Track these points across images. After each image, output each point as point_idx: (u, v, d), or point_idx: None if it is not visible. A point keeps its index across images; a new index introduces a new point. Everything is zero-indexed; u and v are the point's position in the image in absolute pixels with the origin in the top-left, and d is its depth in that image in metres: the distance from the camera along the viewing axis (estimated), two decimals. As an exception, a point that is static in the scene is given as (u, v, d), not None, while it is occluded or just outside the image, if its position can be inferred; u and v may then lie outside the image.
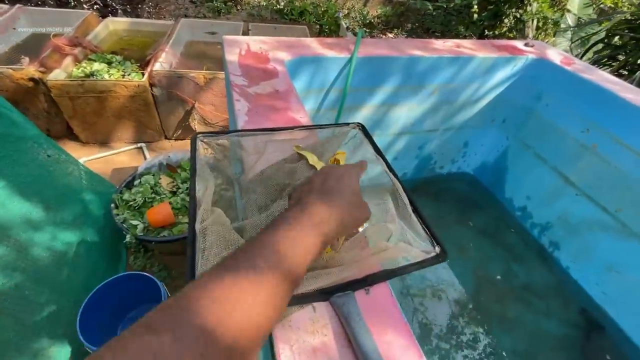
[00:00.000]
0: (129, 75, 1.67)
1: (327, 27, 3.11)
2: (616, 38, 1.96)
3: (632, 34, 1.76)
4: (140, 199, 1.23)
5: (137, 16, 2.72)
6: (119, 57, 1.78)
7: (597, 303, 1.15)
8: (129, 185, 1.29)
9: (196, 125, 1.78)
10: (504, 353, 1.05)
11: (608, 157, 1.06)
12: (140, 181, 1.30)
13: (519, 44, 1.26)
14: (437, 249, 0.43)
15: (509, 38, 2.98)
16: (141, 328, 0.21)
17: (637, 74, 1.60)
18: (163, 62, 1.71)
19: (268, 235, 0.29)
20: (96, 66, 1.65)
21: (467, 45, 1.17)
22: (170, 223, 1.19)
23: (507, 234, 1.40)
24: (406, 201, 0.48)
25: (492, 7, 2.95)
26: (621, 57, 1.84)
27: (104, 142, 1.77)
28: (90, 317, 0.91)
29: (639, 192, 0.99)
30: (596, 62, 1.93)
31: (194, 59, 1.98)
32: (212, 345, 0.21)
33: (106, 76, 1.62)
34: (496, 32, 3.04)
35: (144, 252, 1.24)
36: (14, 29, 1.91)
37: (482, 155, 1.53)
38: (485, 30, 3.09)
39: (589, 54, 2.05)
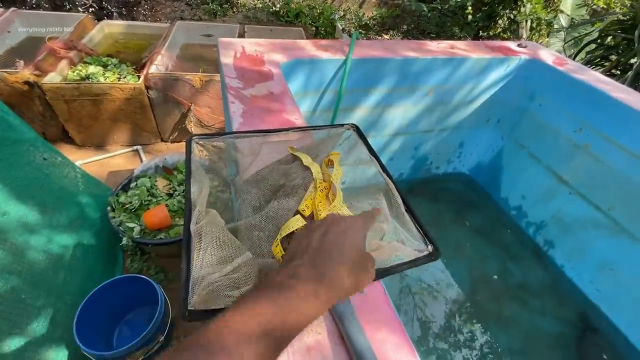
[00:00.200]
0: (124, 78, 1.67)
1: (323, 29, 3.12)
2: (609, 38, 1.98)
3: (623, 35, 1.78)
4: (137, 201, 1.23)
5: (133, 19, 2.72)
6: (114, 60, 1.78)
7: (591, 301, 1.17)
8: (125, 188, 1.29)
9: (192, 128, 1.79)
10: (500, 351, 1.06)
11: (600, 156, 1.08)
12: (137, 184, 1.30)
13: (512, 44, 1.28)
14: (430, 248, 0.44)
15: (503, 39, 3.01)
16: None
17: (628, 73, 1.62)
18: (159, 65, 1.71)
19: (245, 307, 0.25)
20: (92, 69, 1.65)
21: (461, 47, 1.18)
22: (167, 225, 1.19)
23: (502, 233, 1.41)
24: (399, 201, 0.48)
25: (486, 8, 2.98)
26: (613, 57, 1.86)
27: (100, 145, 1.77)
28: (87, 320, 0.91)
29: (630, 190, 1.01)
30: (589, 62, 1.95)
31: (190, 62, 1.99)
32: None
33: (102, 79, 1.62)
34: (490, 33, 3.07)
35: (141, 255, 1.24)
36: (9, 32, 1.90)
37: (477, 155, 1.55)
38: (480, 31, 3.11)
39: (582, 54, 2.07)
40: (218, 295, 0.34)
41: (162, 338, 0.96)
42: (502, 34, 3.03)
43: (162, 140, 1.86)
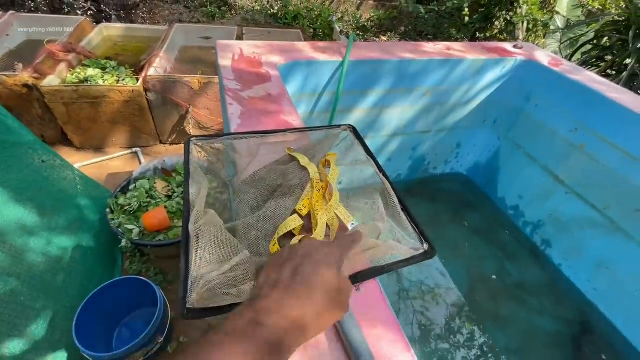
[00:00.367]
0: (123, 80, 1.68)
1: (321, 31, 3.14)
2: (604, 39, 2.00)
3: (618, 36, 1.80)
4: (136, 203, 1.23)
5: (131, 22, 2.73)
6: (113, 63, 1.78)
7: (588, 299, 1.17)
8: (124, 190, 1.30)
9: (191, 130, 1.79)
10: (498, 350, 1.07)
11: (596, 155, 1.09)
12: (136, 186, 1.30)
13: (508, 46, 1.29)
14: (426, 246, 0.44)
15: (500, 40, 3.03)
16: None
17: (623, 74, 1.64)
18: (157, 67, 1.72)
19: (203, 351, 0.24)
20: (90, 72, 1.66)
21: (457, 48, 1.19)
22: (166, 227, 1.20)
23: (500, 233, 1.42)
24: (395, 200, 0.49)
25: (482, 10, 3.00)
26: (608, 58, 1.88)
27: (98, 148, 1.77)
28: (86, 322, 0.91)
29: (625, 190, 1.02)
30: (585, 63, 1.97)
31: (189, 64, 1.99)
32: None
33: (100, 82, 1.62)
34: (487, 35, 3.09)
35: (140, 257, 1.24)
36: (7, 35, 1.91)
37: (474, 155, 1.56)
38: (477, 33, 3.13)
39: (578, 55, 2.09)
40: (216, 294, 0.34)
41: (162, 339, 0.96)
42: (498, 35, 3.05)
43: (160, 142, 1.87)
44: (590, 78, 1.14)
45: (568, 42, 2.31)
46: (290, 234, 0.44)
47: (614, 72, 1.82)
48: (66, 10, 2.44)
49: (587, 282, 1.18)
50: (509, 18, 2.89)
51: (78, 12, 2.45)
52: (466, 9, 3.00)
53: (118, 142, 1.78)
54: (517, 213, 1.41)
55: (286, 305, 0.27)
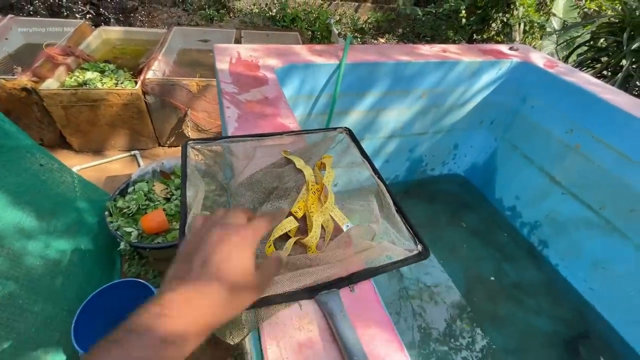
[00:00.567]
0: (122, 83, 1.69)
1: (319, 34, 3.15)
2: (602, 40, 2.01)
3: (613, 37, 1.81)
4: (134, 206, 1.24)
5: (130, 25, 2.74)
6: (111, 66, 1.79)
7: (586, 299, 1.18)
8: (123, 193, 1.30)
9: (189, 132, 1.80)
10: (496, 351, 1.07)
11: (591, 156, 1.10)
12: (134, 188, 1.31)
13: (503, 48, 1.30)
14: (420, 247, 0.45)
15: (497, 42, 3.05)
16: None
17: (619, 75, 1.65)
18: (156, 70, 1.73)
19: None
20: (89, 75, 1.67)
21: (453, 50, 1.20)
22: (165, 230, 1.20)
23: (497, 234, 1.42)
24: (390, 202, 0.49)
25: (479, 11, 3.02)
26: (604, 59, 1.89)
27: (97, 150, 1.78)
28: (84, 325, 0.91)
29: (620, 190, 1.02)
30: (580, 64, 1.98)
31: (187, 67, 2.00)
32: None
33: (99, 85, 1.63)
34: (484, 36, 3.11)
35: (139, 259, 1.24)
36: (6, 39, 1.91)
37: (471, 156, 1.56)
38: (474, 35, 3.15)
39: (574, 56, 2.10)
40: (212, 295, 0.35)
41: (160, 342, 0.97)
42: (495, 36, 3.07)
43: (159, 145, 1.87)
44: (584, 79, 1.15)
45: (564, 43, 2.32)
46: (285, 236, 0.45)
47: (609, 73, 1.84)
48: (65, 13, 2.45)
49: (583, 282, 1.19)
50: (505, 20, 2.91)
51: (77, 15, 2.46)
52: (463, 11, 3.02)
53: (117, 145, 1.79)
54: (514, 214, 1.42)
55: (194, 297, 0.27)
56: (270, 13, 3.34)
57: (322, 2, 3.48)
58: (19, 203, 0.89)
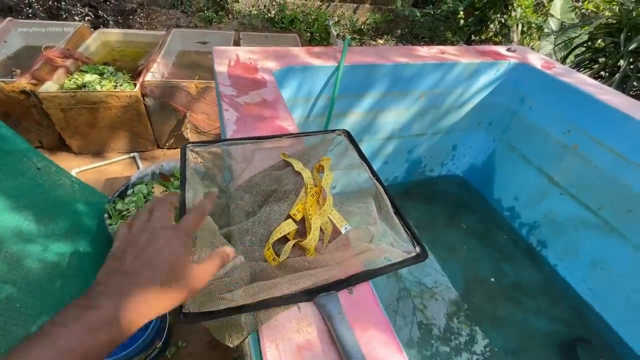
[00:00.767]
0: (121, 86, 1.69)
1: (318, 35, 3.16)
2: (599, 41, 2.02)
3: (611, 38, 1.82)
4: (134, 208, 1.24)
5: (129, 27, 2.74)
6: (111, 68, 1.79)
7: (584, 299, 1.18)
8: (122, 195, 1.30)
9: (189, 134, 1.80)
10: (495, 351, 1.07)
11: (589, 156, 1.10)
12: (134, 190, 1.31)
13: (501, 49, 1.30)
14: (418, 249, 0.45)
15: (495, 43, 3.06)
16: None
17: (616, 76, 1.66)
18: (155, 73, 1.73)
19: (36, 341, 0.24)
20: (88, 77, 1.67)
21: (451, 52, 1.21)
22: (164, 232, 1.20)
23: (496, 235, 1.42)
24: (388, 204, 0.50)
25: (477, 13, 3.03)
26: (601, 60, 1.90)
27: (97, 153, 1.78)
28: (84, 328, 0.91)
29: (618, 190, 1.03)
30: (578, 65, 1.99)
31: (186, 69, 2.01)
32: None
33: (98, 87, 1.63)
34: (482, 37, 3.12)
35: (138, 262, 1.24)
36: (5, 41, 1.92)
37: (470, 157, 1.57)
38: (472, 36, 3.16)
39: (571, 57, 2.11)
40: (212, 298, 0.35)
41: (160, 344, 0.97)
42: (494, 37, 3.08)
43: (158, 147, 1.88)
44: (582, 80, 1.15)
45: (562, 44, 2.33)
46: (284, 239, 0.45)
47: (606, 74, 1.84)
48: (64, 16, 2.45)
49: (582, 282, 1.19)
50: (503, 21, 2.92)
51: (76, 18, 2.46)
52: (461, 12, 3.03)
53: (116, 147, 1.79)
54: (512, 214, 1.42)
55: (127, 287, 0.27)
56: (268, 15, 3.35)
57: (320, 3, 3.49)
58: (17, 206, 0.89)
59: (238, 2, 3.37)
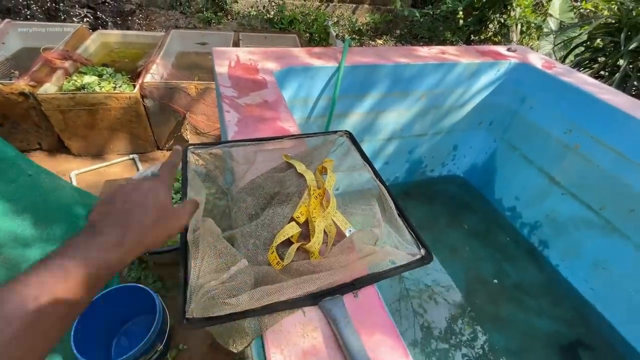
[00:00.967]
0: (120, 87, 1.68)
1: (317, 36, 3.16)
2: (597, 41, 2.02)
3: (610, 37, 1.82)
4: (134, 210, 1.23)
5: (128, 28, 2.73)
6: (110, 70, 1.78)
7: (586, 299, 1.18)
8: (122, 197, 1.29)
9: (188, 135, 1.79)
10: (498, 352, 1.07)
11: (590, 156, 1.10)
12: (133, 192, 1.30)
13: (501, 49, 1.30)
14: (423, 251, 0.45)
15: (495, 43, 3.06)
16: None
17: (616, 75, 1.66)
18: (154, 74, 1.72)
19: (46, 263, 0.27)
20: (87, 79, 1.66)
21: (451, 52, 1.21)
22: (164, 234, 1.19)
23: (498, 234, 1.42)
24: (392, 206, 0.49)
25: (477, 13, 3.03)
26: (601, 60, 1.90)
27: (96, 154, 1.77)
28: (84, 331, 0.90)
29: (619, 190, 1.03)
30: (578, 65, 1.99)
31: (186, 70, 2.00)
32: None
33: (97, 89, 1.62)
34: (482, 37, 3.12)
35: (138, 264, 1.24)
36: (3, 43, 1.91)
37: (471, 157, 1.57)
38: (471, 36, 3.16)
39: (571, 57, 2.11)
40: (215, 303, 0.34)
41: (161, 347, 0.96)
42: (493, 37, 3.08)
43: (158, 148, 1.87)
44: (582, 80, 1.15)
45: (561, 44, 2.33)
46: (288, 242, 0.44)
47: (606, 74, 1.84)
48: (62, 17, 2.45)
49: (584, 282, 1.19)
50: (502, 21, 2.92)
51: (74, 19, 2.45)
52: (460, 12, 3.03)
53: (115, 149, 1.78)
54: (514, 214, 1.42)
55: (123, 224, 0.30)
56: (268, 15, 3.34)
57: (319, 4, 3.49)
58: (13, 211, 0.88)
59: (237, 2, 3.37)
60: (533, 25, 2.87)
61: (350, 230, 0.47)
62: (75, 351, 0.85)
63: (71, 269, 0.26)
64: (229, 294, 0.35)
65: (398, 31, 3.69)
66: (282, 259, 0.42)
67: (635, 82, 1.68)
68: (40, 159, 1.71)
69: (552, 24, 2.54)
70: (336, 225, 0.47)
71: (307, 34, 3.18)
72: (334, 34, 2.94)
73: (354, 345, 0.34)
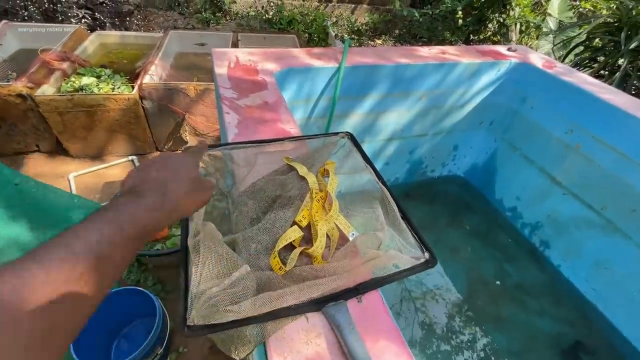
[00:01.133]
0: (118, 88, 1.67)
1: (316, 36, 3.15)
2: (596, 40, 2.02)
3: (610, 37, 1.82)
4: (133, 212, 1.22)
5: (126, 29, 2.72)
6: (108, 71, 1.77)
7: (588, 299, 1.17)
8: (121, 199, 1.29)
9: (187, 137, 1.78)
10: (499, 352, 1.06)
11: (591, 156, 1.10)
12: (132, 194, 1.29)
13: (502, 49, 1.30)
14: (427, 255, 0.44)
15: (494, 42, 3.06)
16: None
17: (616, 75, 1.65)
18: (153, 75, 1.71)
19: (93, 221, 0.27)
20: (85, 80, 1.65)
21: (451, 52, 1.20)
22: (163, 236, 1.19)
23: (499, 235, 1.42)
24: (395, 208, 0.49)
25: (476, 12, 3.03)
26: (601, 59, 1.90)
27: (95, 156, 1.76)
28: (83, 334, 0.89)
29: (621, 190, 1.02)
30: (578, 64, 1.99)
31: (184, 71, 1.99)
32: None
33: (95, 90, 1.61)
34: (481, 37, 3.12)
35: (138, 266, 1.23)
36: (1, 44, 1.89)
37: (471, 157, 1.56)
38: (471, 35, 3.16)
39: (571, 56, 2.11)
40: (217, 310, 0.34)
41: (161, 350, 0.95)
42: (492, 37, 3.08)
43: (157, 149, 1.86)
44: (583, 79, 1.15)
45: (561, 43, 2.33)
46: (290, 246, 0.44)
47: (606, 73, 1.84)
48: (60, 18, 2.43)
49: (586, 282, 1.18)
50: (501, 20, 2.92)
51: (72, 20, 2.44)
52: (460, 12, 3.03)
53: (114, 151, 1.77)
54: (515, 214, 1.41)
55: (161, 190, 0.32)
56: (267, 16, 3.33)
57: (318, 4, 3.48)
58: (9, 217, 0.87)
59: (236, 3, 3.36)
60: (532, 24, 2.86)
61: (353, 234, 0.46)
62: (74, 355, 0.84)
63: (124, 223, 0.28)
64: (231, 300, 0.34)
65: (397, 31, 3.69)
66: (284, 263, 0.41)
67: (635, 82, 1.68)
68: (38, 161, 1.70)
69: (551, 23, 2.54)
70: (339, 228, 0.47)
71: (306, 34, 3.17)
72: (333, 34, 2.93)
73: (358, 352, 0.33)
